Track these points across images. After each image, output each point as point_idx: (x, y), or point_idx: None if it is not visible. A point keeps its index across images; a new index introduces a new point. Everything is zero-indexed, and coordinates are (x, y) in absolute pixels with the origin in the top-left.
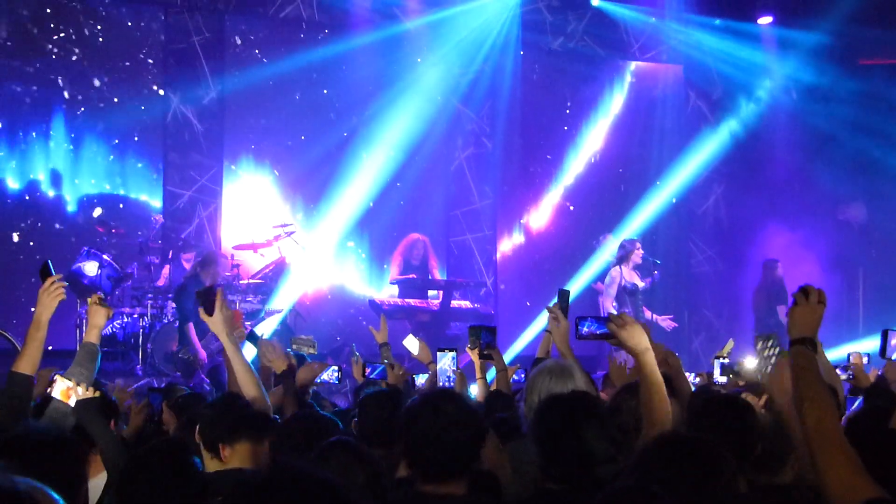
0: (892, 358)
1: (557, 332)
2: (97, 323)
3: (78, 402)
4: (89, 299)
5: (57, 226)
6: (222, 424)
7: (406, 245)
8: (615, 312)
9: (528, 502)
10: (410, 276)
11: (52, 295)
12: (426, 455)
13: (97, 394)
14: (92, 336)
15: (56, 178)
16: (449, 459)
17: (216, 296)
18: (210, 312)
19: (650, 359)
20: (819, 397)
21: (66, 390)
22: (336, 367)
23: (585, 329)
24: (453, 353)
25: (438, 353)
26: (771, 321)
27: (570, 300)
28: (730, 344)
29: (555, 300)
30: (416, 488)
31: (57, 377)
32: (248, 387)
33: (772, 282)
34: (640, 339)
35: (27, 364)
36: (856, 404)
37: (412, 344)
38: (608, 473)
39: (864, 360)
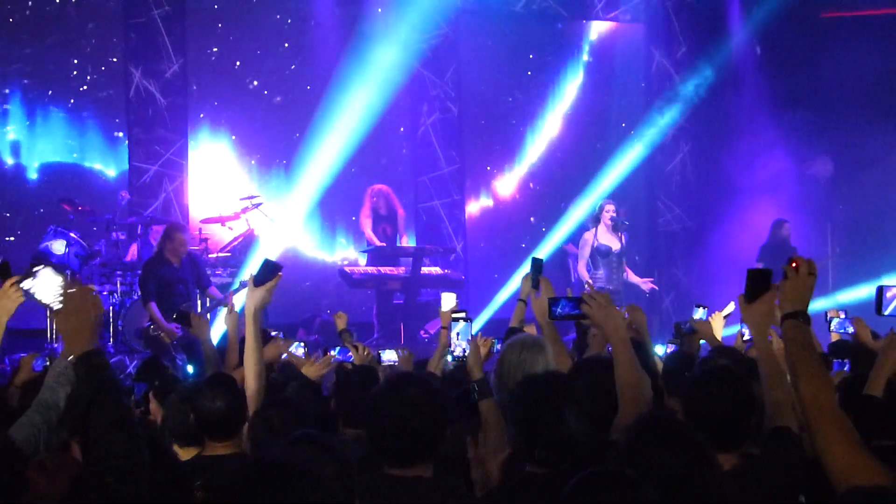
0: (886, 313)
1: (537, 304)
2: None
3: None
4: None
5: (20, 198)
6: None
7: (369, 196)
8: (586, 275)
9: (513, 488)
10: (380, 244)
11: (11, 298)
12: (392, 439)
13: None
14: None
15: (15, 149)
16: (414, 443)
17: (276, 276)
18: (257, 284)
19: (624, 338)
20: (815, 372)
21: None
22: (302, 343)
23: (559, 310)
24: (467, 323)
25: (452, 322)
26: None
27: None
28: (730, 306)
29: (526, 275)
30: (384, 472)
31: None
32: (251, 378)
33: (780, 241)
34: (614, 320)
35: None
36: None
37: (449, 302)
38: (590, 455)
39: (841, 315)
